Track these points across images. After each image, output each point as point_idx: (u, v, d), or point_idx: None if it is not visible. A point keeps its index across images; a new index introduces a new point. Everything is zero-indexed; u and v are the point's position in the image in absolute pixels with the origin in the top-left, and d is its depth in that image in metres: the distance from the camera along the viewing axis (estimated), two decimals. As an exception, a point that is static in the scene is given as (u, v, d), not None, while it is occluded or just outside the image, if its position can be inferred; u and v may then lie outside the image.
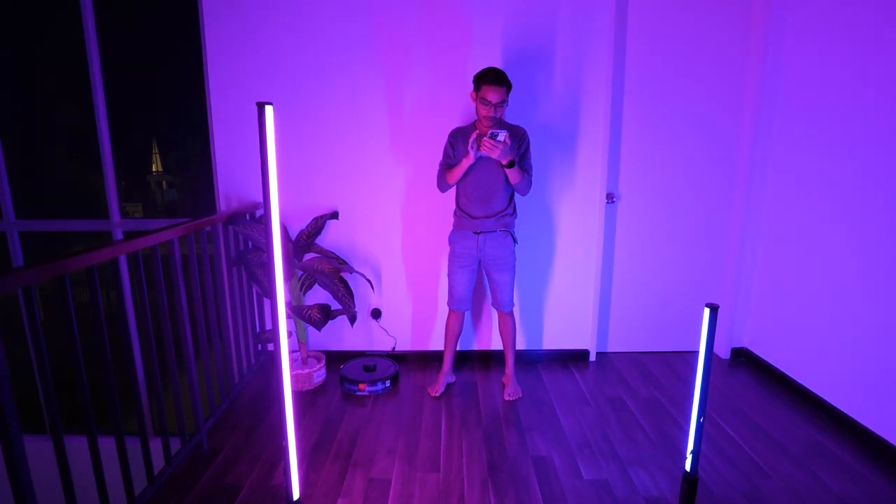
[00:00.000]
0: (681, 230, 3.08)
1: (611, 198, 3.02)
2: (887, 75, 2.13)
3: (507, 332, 2.68)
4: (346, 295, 2.65)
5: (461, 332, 2.72)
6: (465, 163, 2.35)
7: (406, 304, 3.07)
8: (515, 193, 2.53)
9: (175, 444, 2.06)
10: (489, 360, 3.13)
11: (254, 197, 2.90)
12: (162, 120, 3.30)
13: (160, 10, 3.03)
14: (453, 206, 2.60)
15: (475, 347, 3.14)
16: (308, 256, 2.82)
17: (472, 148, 2.30)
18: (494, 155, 2.25)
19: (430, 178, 2.87)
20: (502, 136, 2.21)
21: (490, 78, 2.26)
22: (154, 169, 3.38)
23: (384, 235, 2.98)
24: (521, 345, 3.13)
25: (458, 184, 2.48)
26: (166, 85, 3.18)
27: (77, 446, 1.71)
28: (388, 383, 2.76)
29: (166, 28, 3.06)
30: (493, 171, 2.41)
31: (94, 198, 3.22)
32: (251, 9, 2.70)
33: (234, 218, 2.62)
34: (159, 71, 3.16)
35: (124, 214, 3.19)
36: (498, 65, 2.75)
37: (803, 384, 2.64)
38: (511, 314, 2.66)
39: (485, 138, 2.22)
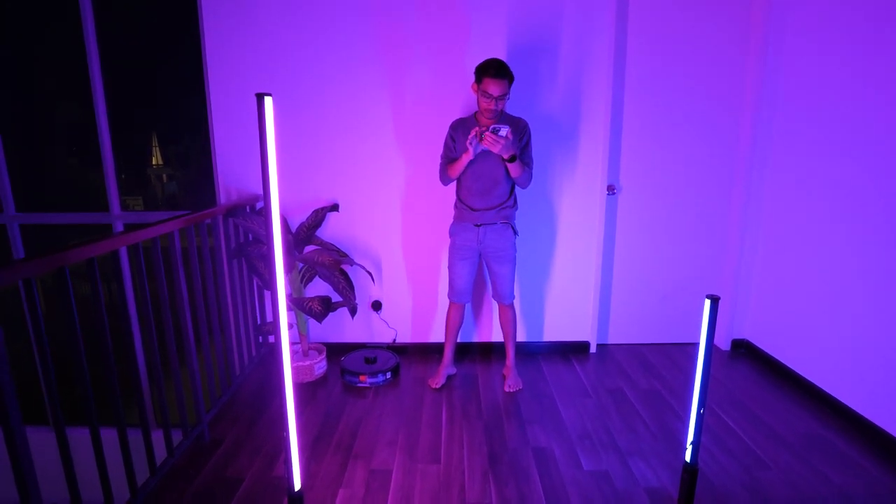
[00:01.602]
0: (681, 222, 3.07)
1: (611, 189, 3.01)
2: (886, 74, 2.11)
3: (508, 323, 2.68)
4: (346, 287, 2.65)
5: (462, 324, 2.73)
6: (465, 158, 2.34)
7: (406, 296, 3.07)
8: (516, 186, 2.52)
9: (177, 436, 2.07)
10: (490, 352, 3.13)
11: (254, 189, 2.90)
12: (162, 113, 3.29)
13: (159, 4, 3.01)
14: (454, 199, 2.60)
15: (476, 339, 3.15)
16: (308, 249, 2.82)
17: (470, 144, 2.28)
18: (496, 150, 2.23)
19: (430, 170, 2.86)
20: (504, 131, 2.20)
21: (492, 71, 2.23)
22: (154, 162, 3.37)
23: (384, 227, 2.97)
24: (521, 336, 3.13)
25: (459, 176, 2.47)
26: (166, 79, 3.17)
27: (79, 437, 1.71)
28: (388, 375, 2.77)
29: (165, 22, 3.04)
30: (493, 164, 2.39)
31: (94, 192, 3.22)
32: (251, 3, 2.68)
33: (235, 210, 2.61)
34: (159, 65, 3.15)
35: (125, 207, 3.19)
36: (501, 56, 2.73)
37: (804, 376, 2.64)
38: (511, 306, 2.66)
39: (487, 133, 2.20)
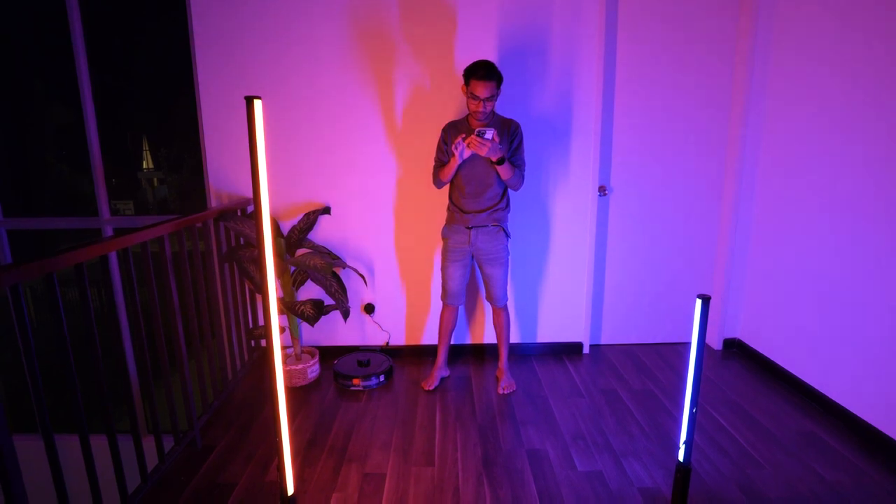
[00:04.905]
0: (673, 221, 3.09)
1: (603, 190, 3.02)
2: (878, 62, 2.13)
3: (502, 326, 2.68)
4: (338, 290, 2.64)
5: (455, 326, 2.72)
6: (453, 163, 2.35)
7: (399, 298, 3.06)
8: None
9: (168, 442, 2.05)
10: (483, 354, 3.13)
11: (245, 192, 2.88)
12: (153, 117, 3.27)
13: (148, 6, 3.00)
14: (446, 201, 2.59)
15: (469, 341, 3.14)
16: (300, 252, 2.81)
17: (455, 149, 2.28)
18: (482, 153, 2.23)
19: (422, 172, 2.86)
20: (489, 133, 2.19)
21: (479, 74, 2.24)
22: (145, 166, 3.35)
23: (377, 230, 2.97)
24: (514, 338, 3.13)
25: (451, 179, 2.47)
26: (156, 82, 3.15)
27: (69, 445, 1.70)
28: (382, 378, 2.76)
29: (154, 24, 3.03)
30: (484, 166, 2.39)
31: (84, 196, 3.20)
32: (240, 2, 2.67)
33: (225, 214, 2.60)
34: (148, 67, 3.13)
35: (115, 212, 3.16)
36: (491, 57, 2.73)
37: (796, 374, 2.66)
38: (505, 308, 2.66)
39: (472, 136, 2.20)
